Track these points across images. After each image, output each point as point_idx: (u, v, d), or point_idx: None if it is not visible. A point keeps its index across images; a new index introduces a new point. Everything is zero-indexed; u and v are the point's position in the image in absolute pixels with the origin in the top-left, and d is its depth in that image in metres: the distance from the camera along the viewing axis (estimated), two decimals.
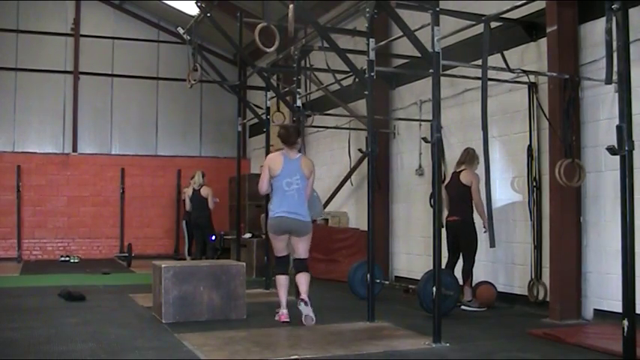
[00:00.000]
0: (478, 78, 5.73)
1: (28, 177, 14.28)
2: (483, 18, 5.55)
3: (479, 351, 5.03)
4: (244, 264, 6.66)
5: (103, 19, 15.21)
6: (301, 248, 6.20)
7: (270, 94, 9.20)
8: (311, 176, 6.22)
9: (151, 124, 15.55)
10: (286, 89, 9.76)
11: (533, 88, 6.95)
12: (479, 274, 7.39)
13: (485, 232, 6.38)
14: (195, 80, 9.38)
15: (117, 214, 14.92)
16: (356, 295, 7.75)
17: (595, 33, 6.27)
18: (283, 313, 6.09)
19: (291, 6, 6.31)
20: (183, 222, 12.10)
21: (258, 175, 6.56)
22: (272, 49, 7.27)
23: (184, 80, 9.84)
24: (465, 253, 7.12)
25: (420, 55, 5.56)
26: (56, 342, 5.17)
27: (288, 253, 6.33)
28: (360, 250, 9.55)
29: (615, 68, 4.23)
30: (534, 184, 6.98)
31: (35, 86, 14.54)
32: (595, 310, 6.29)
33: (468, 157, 7.23)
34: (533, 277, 6.93)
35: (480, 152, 6.26)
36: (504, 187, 7.51)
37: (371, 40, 6.07)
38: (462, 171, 7.20)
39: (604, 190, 6.26)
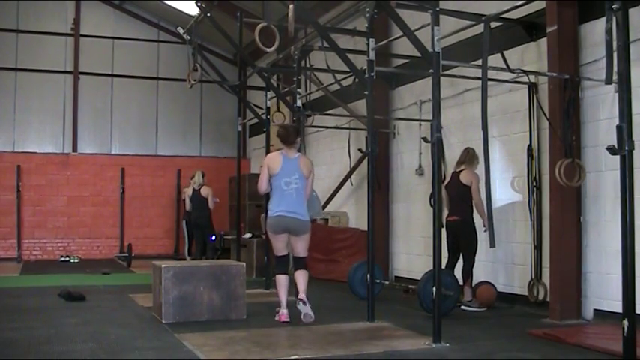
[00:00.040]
0: (478, 78, 5.74)
1: (28, 177, 14.28)
2: (483, 18, 5.55)
3: (479, 351, 5.03)
4: (244, 264, 6.66)
5: (103, 19, 15.21)
6: (300, 247, 6.25)
7: (270, 94, 9.20)
8: (310, 176, 6.26)
9: (151, 124, 15.55)
10: (286, 89, 9.76)
11: (533, 88, 6.95)
12: (479, 274, 7.39)
13: (485, 231, 6.38)
14: (195, 80, 9.38)
15: (117, 214, 14.92)
16: (356, 295, 7.75)
17: (595, 33, 6.27)
18: (283, 313, 6.09)
19: (291, 6, 6.31)
20: (183, 222, 12.10)
21: (258, 175, 6.57)
22: (272, 49, 7.27)
23: (184, 80, 9.84)
24: (465, 253, 7.12)
25: (420, 55, 5.56)
26: (56, 342, 5.17)
27: (287, 252, 6.34)
28: (360, 250, 9.55)
29: (615, 68, 4.23)
30: (534, 184, 6.98)
31: (35, 86, 14.54)
32: (595, 310, 6.29)
33: (468, 157, 7.23)
34: (533, 277, 6.93)
35: (479, 152, 6.26)
36: (504, 187, 7.51)
37: (371, 40, 6.07)
38: (461, 171, 7.20)
39: (604, 190, 6.26)
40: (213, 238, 11.62)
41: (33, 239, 14.30)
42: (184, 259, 11.30)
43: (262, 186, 6.28)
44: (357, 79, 7.06)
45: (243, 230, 11.34)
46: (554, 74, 6.35)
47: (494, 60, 6.19)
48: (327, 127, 10.66)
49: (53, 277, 10.42)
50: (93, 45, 15.01)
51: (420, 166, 9.16)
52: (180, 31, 9.27)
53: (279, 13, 9.56)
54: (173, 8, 14.35)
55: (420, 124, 8.91)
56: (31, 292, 8.65)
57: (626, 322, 4.06)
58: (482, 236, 6.81)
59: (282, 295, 6.17)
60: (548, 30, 6.51)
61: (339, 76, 8.20)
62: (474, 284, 7.12)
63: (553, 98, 6.49)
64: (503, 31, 7.07)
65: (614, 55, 4.23)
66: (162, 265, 6.21)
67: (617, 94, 4.23)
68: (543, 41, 6.77)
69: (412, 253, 9.39)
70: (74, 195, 14.60)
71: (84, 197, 14.68)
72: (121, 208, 14.94)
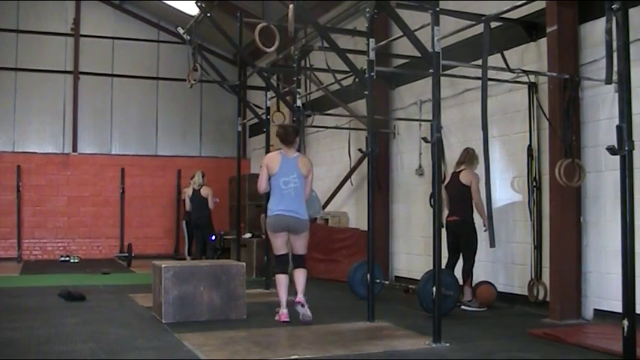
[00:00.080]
0: (478, 78, 5.74)
1: (28, 177, 14.28)
2: (483, 18, 5.55)
3: (479, 351, 5.03)
4: (244, 264, 6.66)
5: (103, 19, 15.21)
6: (299, 245, 6.31)
7: (270, 94, 9.20)
8: (309, 175, 6.30)
9: (151, 124, 15.55)
10: (286, 89, 9.76)
11: (533, 88, 6.95)
12: (479, 274, 7.39)
13: (485, 231, 6.38)
14: (195, 80, 9.38)
15: (117, 214, 14.92)
16: (356, 295, 7.75)
17: (595, 33, 6.27)
18: (283, 313, 6.10)
19: (291, 6, 6.31)
20: (183, 222, 12.10)
21: (258, 175, 6.59)
22: (272, 49, 7.27)
23: (184, 80, 9.84)
24: (465, 253, 7.12)
25: (420, 55, 5.55)
26: (56, 342, 5.17)
27: (287, 251, 6.36)
28: (360, 250, 9.55)
29: (615, 68, 4.23)
30: (534, 184, 6.98)
31: (35, 86, 14.54)
32: (595, 310, 6.29)
33: (468, 157, 7.23)
34: (533, 277, 6.93)
35: (479, 152, 6.26)
36: (504, 187, 7.51)
37: (371, 40, 6.07)
38: (461, 171, 7.20)
39: (604, 190, 6.26)
40: (213, 238, 11.61)
41: (33, 239, 14.30)
42: (184, 259, 11.30)
43: (262, 185, 6.33)
44: (357, 79, 7.06)
45: (243, 230, 11.35)
46: (554, 74, 6.35)
47: (494, 60, 6.19)
48: (327, 127, 10.66)
49: (53, 277, 10.42)
50: (93, 45, 15.01)
51: (420, 166, 9.16)
52: (180, 31, 9.27)
53: (279, 13, 9.56)
54: (173, 8, 14.35)
55: (420, 124, 8.91)
56: (31, 292, 8.65)
57: (626, 322, 4.06)
58: (482, 236, 6.81)
59: (282, 295, 6.19)
60: (548, 30, 6.51)
61: (339, 76, 8.21)
62: (474, 284, 7.12)
63: (553, 98, 6.49)
64: (503, 31, 7.08)
65: (614, 55, 4.23)
66: (162, 265, 6.21)
67: (617, 94, 4.22)
68: (543, 41, 6.77)
69: (412, 253, 9.39)
70: (74, 195, 14.60)
71: (84, 197, 14.69)
72: (121, 208, 14.94)
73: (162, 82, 15.47)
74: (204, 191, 11.07)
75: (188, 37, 9.05)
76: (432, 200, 5.59)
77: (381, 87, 9.47)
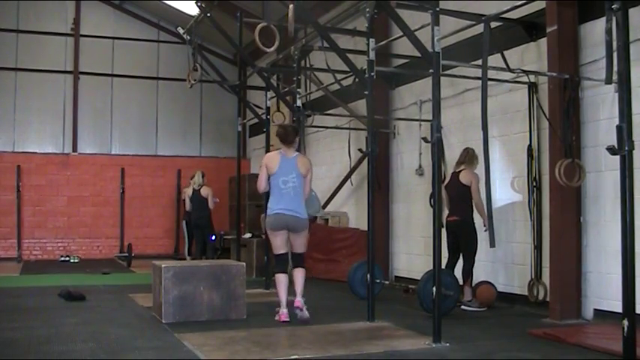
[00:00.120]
0: (478, 78, 5.74)
1: (28, 177, 14.28)
2: (483, 18, 5.54)
3: (479, 351, 5.03)
4: (244, 264, 6.66)
5: (103, 19, 15.21)
6: (298, 243, 6.37)
7: (270, 94, 9.20)
8: (308, 174, 6.34)
9: (151, 124, 15.55)
10: (286, 89, 9.76)
11: (533, 88, 6.95)
12: (479, 274, 7.39)
13: (485, 231, 6.38)
14: (195, 80, 9.38)
15: (117, 214, 14.92)
16: (356, 295, 7.75)
17: (595, 33, 6.27)
18: (283, 313, 6.12)
19: (291, 6, 6.31)
20: (183, 222, 12.10)
21: (258, 175, 6.61)
22: (272, 49, 7.27)
23: (184, 80, 9.84)
24: (465, 253, 7.12)
25: (420, 55, 5.55)
26: (56, 342, 5.17)
27: (287, 251, 6.39)
28: (360, 250, 9.55)
29: (615, 68, 4.23)
30: (534, 184, 6.98)
31: (35, 86, 14.54)
32: (595, 310, 6.29)
33: (468, 157, 7.23)
34: (533, 277, 6.93)
35: (479, 152, 6.26)
36: (504, 187, 7.51)
37: (371, 40, 6.07)
38: (461, 171, 7.20)
39: (604, 190, 6.26)
40: (213, 238, 11.61)
41: (33, 239, 14.30)
42: (184, 259, 11.30)
43: (261, 185, 6.39)
44: (357, 79, 7.06)
45: (243, 230, 11.34)
46: (554, 74, 6.35)
47: (494, 60, 6.19)
48: (327, 127, 10.66)
49: (53, 277, 10.42)
50: (93, 45, 15.01)
51: (420, 166, 9.16)
52: (180, 31, 9.27)
53: (279, 13, 9.56)
54: (173, 8, 14.35)
55: (420, 124, 8.91)
56: (31, 292, 8.65)
57: (626, 322, 4.06)
58: (482, 236, 6.81)
59: (282, 295, 6.20)
60: (548, 30, 6.51)
61: (339, 76, 8.21)
62: (474, 284, 7.12)
63: (553, 98, 6.49)
64: (503, 31, 7.08)
65: (614, 55, 4.23)
66: (162, 265, 6.21)
67: (617, 94, 4.22)
68: (543, 41, 6.77)
69: (412, 253, 9.39)
70: (74, 195, 14.60)
71: (84, 197, 14.69)
72: (121, 208, 14.94)
73: (162, 82, 15.47)
74: (204, 191, 11.07)
75: (188, 37, 9.05)
76: (432, 200, 5.59)
77: (381, 87, 9.47)
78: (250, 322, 6.19)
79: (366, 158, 6.48)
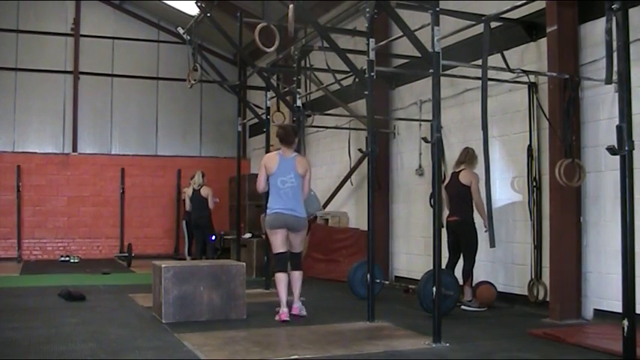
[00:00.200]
0: (478, 78, 5.74)
1: (28, 177, 14.28)
2: (483, 18, 5.55)
3: (479, 351, 5.03)
4: (244, 264, 6.66)
5: (103, 19, 15.21)
6: (296, 242, 6.46)
7: (270, 94, 9.20)
8: (306, 174, 6.41)
9: (151, 124, 15.55)
10: (286, 89, 9.76)
11: (533, 88, 6.95)
12: (479, 274, 7.39)
13: (485, 231, 6.38)
14: (195, 80, 9.38)
15: (117, 214, 14.92)
16: (356, 295, 7.75)
17: (595, 33, 6.27)
18: (283, 312, 6.13)
19: (291, 6, 6.32)
20: (183, 222, 12.11)
21: (258, 175, 6.63)
22: (272, 49, 7.28)
23: (184, 80, 9.85)
24: (465, 253, 7.12)
25: (420, 55, 5.56)
26: (56, 342, 5.17)
27: (286, 250, 6.41)
28: (360, 250, 9.55)
29: (615, 68, 4.23)
30: (534, 184, 6.98)
31: (35, 86, 14.54)
32: (595, 310, 6.29)
33: (468, 157, 7.23)
34: (533, 277, 6.93)
35: (479, 152, 6.26)
36: (504, 187, 7.51)
37: (371, 40, 6.07)
38: (461, 171, 7.20)
39: (604, 190, 6.26)
40: (213, 238, 11.62)
41: (33, 239, 14.30)
42: (184, 259, 11.30)
43: (260, 185, 6.48)
44: (357, 79, 7.06)
45: (243, 230, 11.35)
46: (554, 74, 6.35)
47: (494, 60, 6.19)
48: (327, 127, 10.66)
49: (53, 277, 10.42)
50: (93, 45, 15.00)
51: (420, 166, 9.16)
52: (180, 31, 9.27)
53: (279, 13, 9.55)
54: (173, 8, 14.35)
55: (420, 124, 8.91)
56: (31, 292, 8.65)
57: (626, 322, 4.06)
58: (482, 236, 6.81)
59: (282, 294, 6.22)
60: (548, 30, 6.51)
61: (339, 76, 8.20)
62: (474, 284, 7.11)
63: (553, 98, 6.49)
64: (503, 31, 7.08)
65: (614, 55, 4.23)
66: (162, 265, 6.21)
67: (617, 94, 4.23)
68: (543, 41, 6.77)
69: (412, 253, 9.39)
70: (74, 195, 14.60)
71: (84, 197, 14.68)
72: (121, 208, 14.94)
73: (162, 82, 15.47)
74: (204, 191, 11.07)
75: (188, 37, 9.05)
76: (432, 200, 5.59)
77: (381, 87, 9.47)
78: (250, 322, 6.19)
79: (366, 158, 6.48)
